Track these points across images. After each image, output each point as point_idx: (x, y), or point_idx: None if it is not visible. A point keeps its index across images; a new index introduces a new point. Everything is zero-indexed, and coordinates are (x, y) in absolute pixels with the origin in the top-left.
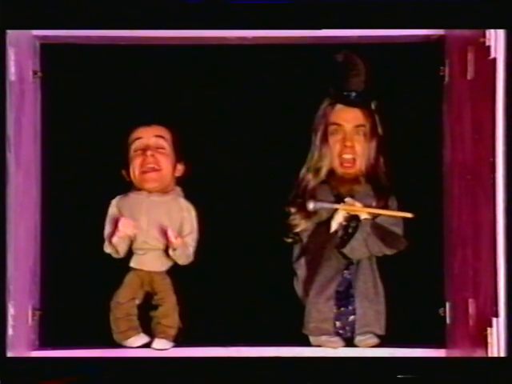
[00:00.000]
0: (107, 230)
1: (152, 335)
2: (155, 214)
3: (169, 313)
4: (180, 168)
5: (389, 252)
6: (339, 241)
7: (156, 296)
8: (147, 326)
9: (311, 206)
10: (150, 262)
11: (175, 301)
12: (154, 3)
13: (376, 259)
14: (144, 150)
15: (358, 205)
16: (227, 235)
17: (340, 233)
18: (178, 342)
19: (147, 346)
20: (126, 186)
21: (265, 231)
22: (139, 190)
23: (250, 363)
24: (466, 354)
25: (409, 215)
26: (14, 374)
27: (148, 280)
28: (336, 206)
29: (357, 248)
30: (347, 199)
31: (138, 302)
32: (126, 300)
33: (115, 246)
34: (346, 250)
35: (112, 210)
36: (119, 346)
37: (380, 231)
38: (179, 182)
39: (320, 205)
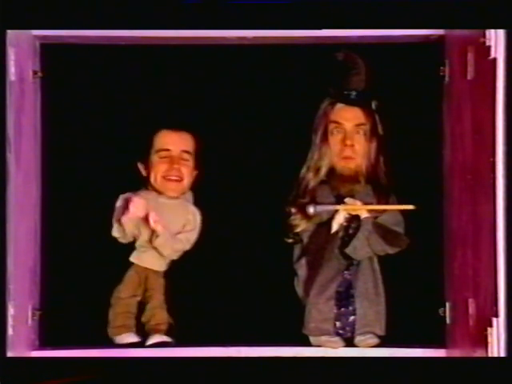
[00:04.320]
0: (117, 213)
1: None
2: (160, 214)
3: (155, 311)
4: (194, 173)
5: (391, 251)
6: (341, 241)
7: (146, 293)
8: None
9: (311, 210)
10: (149, 259)
11: (162, 299)
12: (153, 3)
13: (377, 259)
14: (170, 162)
15: (359, 204)
16: (228, 235)
17: (341, 233)
18: (172, 336)
19: (143, 345)
20: (126, 186)
21: (265, 231)
22: (151, 189)
23: (250, 363)
24: (466, 354)
25: (410, 207)
26: (14, 374)
27: (144, 277)
28: (337, 207)
29: (359, 248)
30: (347, 199)
31: (138, 298)
32: (126, 296)
33: (124, 225)
34: (348, 250)
35: (120, 203)
36: (119, 345)
37: (381, 230)
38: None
39: (320, 208)
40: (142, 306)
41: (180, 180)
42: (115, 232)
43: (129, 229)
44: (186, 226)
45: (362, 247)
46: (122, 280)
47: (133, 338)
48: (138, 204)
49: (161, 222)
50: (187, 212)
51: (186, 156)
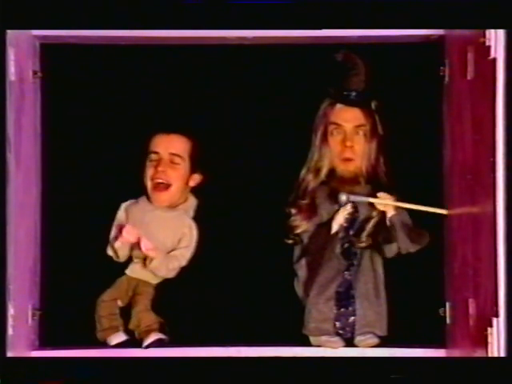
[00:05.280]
0: (112, 233)
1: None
2: (155, 228)
3: (142, 315)
4: (196, 178)
5: (412, 249)
6: (383, 237)
7: (133, 299)
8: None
9: (344, 197)
10: (142, 271)
11: (148, 303)
12: (153, 3)
13: (378, 260)
14: (157, 164)
15: (391, 200)
16: (228, 236)
17: (341, 234)
18: (166, 334)
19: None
20: (127, 186)
21: (265, 232)
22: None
23: (250, 363)
24: (466, 354)
25: (443, 211)
26: (14, 374)
27: (134, 284)
28: (370, 199)
29: (389, 245)
30: (380, 194)
31: (120, 303)
32: (109, 299)
33: (116, 250)
34: (386, 248)
35: (120, 213)
36: (118, 346)
37: (406, 228)
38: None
39: (353, 197)
40: (127, 312)
41: (167, 187)
42: (109, 251)
43: (122, 254)
44: (182, 241)
45: (392, 245)
46: (113, 284)
47: (122, 336)
48: (131, 231)
49: (153, 246)
50: (183, 225)
51: (176, 159)
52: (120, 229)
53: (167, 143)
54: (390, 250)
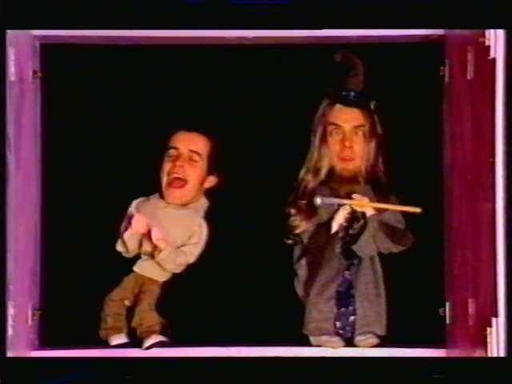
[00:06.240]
0: (122, 227)
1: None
2: (166, 224)
3: (145, 314)
4: (212, 180)
5: (395, 249)
6: (346, 239)
7: (137, 296)
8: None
9: (318, 201)
10: (149, 268)
11: (152, 303)
12: (153, 3)
13: (379, 260)
14: (175, 159)
15: (366, 200)
16: (228, 236)
17: (341, 233)
18: (167, 336)
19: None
20: (127, 186)
21: (265, 232)
22: (162, 196)
23: (250, 363)
24: (466, 354)
25: (416, 210)
26: (14, 374)
27: (140, 282)
28: (344, 201)
29: (365, 245)
30: (355, 195)
31: (127, 303)
32: (116, 298)
33: (125, 241)
34: (355, 248)
35: (131, 210)
36: (119, 346)
37: (387, 228)
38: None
39: (328, 200)
40: (131, 310)
41: (183, 184)
42: (119, 247)
43: (131, 245)
44: (192, 237)
45: (368, 244)
46: (120, 283)
47: (123, 338)
48: (140, 221)
49: (163, 237)
50: (193, 223)
51: (195, 157)
52: (129, 220)
53: (188, 140)
54: (362, 250)
